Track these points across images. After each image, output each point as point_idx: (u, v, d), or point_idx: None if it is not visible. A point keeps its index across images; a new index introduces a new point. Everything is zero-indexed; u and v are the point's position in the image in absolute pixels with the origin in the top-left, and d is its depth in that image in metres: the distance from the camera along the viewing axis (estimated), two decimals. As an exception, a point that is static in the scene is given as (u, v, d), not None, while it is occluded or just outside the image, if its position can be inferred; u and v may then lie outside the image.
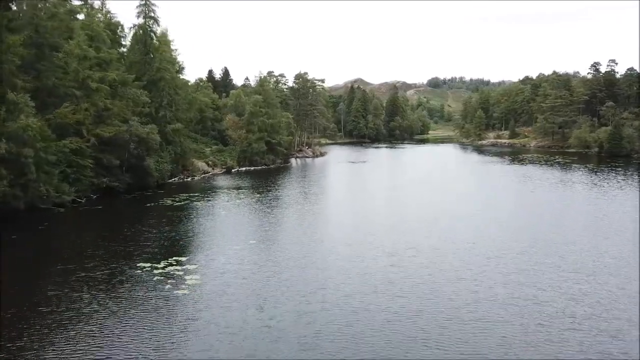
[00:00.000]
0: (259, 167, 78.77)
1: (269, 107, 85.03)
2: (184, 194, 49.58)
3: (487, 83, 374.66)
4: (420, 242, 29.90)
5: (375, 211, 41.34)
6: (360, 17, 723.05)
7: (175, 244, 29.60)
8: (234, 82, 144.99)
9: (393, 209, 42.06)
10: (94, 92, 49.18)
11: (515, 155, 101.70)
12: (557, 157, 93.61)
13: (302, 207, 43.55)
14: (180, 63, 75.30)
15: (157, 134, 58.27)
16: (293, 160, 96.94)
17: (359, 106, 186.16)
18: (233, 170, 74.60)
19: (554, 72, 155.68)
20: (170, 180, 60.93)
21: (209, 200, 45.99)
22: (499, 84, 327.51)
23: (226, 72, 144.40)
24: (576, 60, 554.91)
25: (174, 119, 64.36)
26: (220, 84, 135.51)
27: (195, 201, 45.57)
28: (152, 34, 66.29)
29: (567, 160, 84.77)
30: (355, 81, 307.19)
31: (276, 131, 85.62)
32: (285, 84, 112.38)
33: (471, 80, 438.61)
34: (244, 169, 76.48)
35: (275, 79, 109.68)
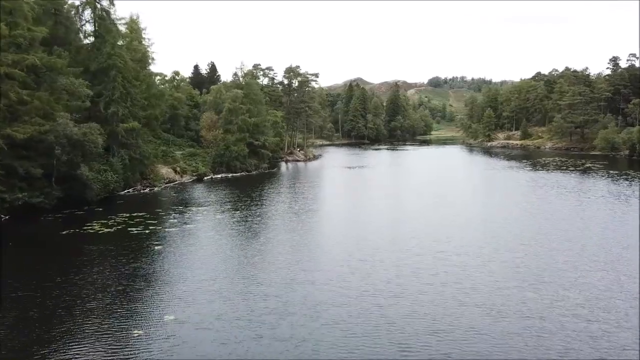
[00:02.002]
0: (239, 174, 66.82)
1: (252, 104, 73.12)
2: (126, 214, 37.72)
3: (489, 82, 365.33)
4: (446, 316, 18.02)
5: (377, 252, 29.27)
6: (360, 17, 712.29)
7: (30, 326, 17.67)
8: (222, 78, 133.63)
9: (403, 250, 30.01)
10: (4, 79, 37.34)
11: (534, 158, 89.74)
12: (582, 161, 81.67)
13: (275, 236, 31.63)
14: (147, 52, 63.24)
15: (103, 135, 46.83)
16: (282, 165, 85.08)
17: (357, 105, 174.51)
18: (206, 177, 62.68)
19: (566, 68, 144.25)
20: (122, 192, 49.23)
21: (152, 224, 34.06)
22: (501, 83, 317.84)
23: (213, 67, 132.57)
24: (577, 59, 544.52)
25: (129, 116, 52.43)
26: (207, 80, 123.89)
27: (132, 225, 33.69)
28: (104, 14, 54.30)
29: (597, 166, 72.80)
30: (355, 80, 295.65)
31: (261, 131, 73.64)
32: (273, 78, 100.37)
33: (472, 79, 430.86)
34: (219, 176, 64.49)
35: (262, 72, 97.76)
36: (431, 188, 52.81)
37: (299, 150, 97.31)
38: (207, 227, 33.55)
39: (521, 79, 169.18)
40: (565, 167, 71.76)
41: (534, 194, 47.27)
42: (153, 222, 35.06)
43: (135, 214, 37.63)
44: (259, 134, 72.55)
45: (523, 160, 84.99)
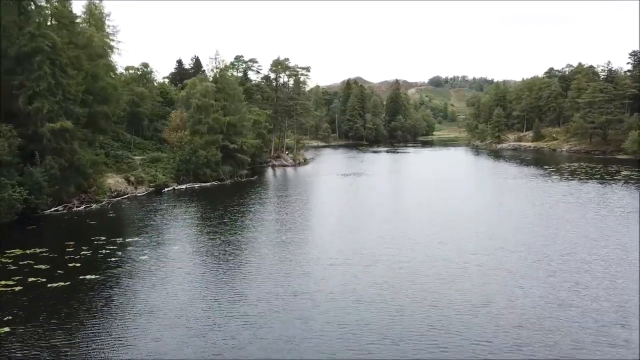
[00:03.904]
0: (209, 184, 55.39)
1: (227, 100, 61.84)
2: (19, 250, 26.53)
3: (491, 82, 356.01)
4: None
5: (374, 349, 17.92)
6: (359, 15, 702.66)
7: None
8: (207, 73, 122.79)
9: (417, 334, 18.65)
10: None
11: (556, 164, 78.34)
12: (614, 167, 70.37)
13: (219, 298, 20.35)
14: (93, 37, 51.78)
15: (14, 138, 36.20)
16: (268, 171, 73.83)
17: (355, 104, 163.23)
18: (167, 189, 51.38)
19: (580, 65, 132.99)
20: (48, 211, 38.22)
21: (38, 272, 22.77)
22: (503, 83, 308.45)
23: (197, 62, 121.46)
24: (579, 59, 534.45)
25: (61, 114, 41.23)
26: (190, 76, 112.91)
27: (7, 273, 22.49)
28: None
29: (637, 174, 61.49)
30: (354, 79, 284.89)
31: (238, 132, 62.30)
32: (258, 71, 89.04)
33: (474, 79, 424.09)
34: (183, 186, 53.08)
35: (245, 64, 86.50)
36: (447, 208, 41.48)
37: (287, 154, 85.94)
38: (116, 279, 22.18)
39: (523, 79, 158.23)
40: (599, 176, 60.35)
41: (587, 218, 35.84)
42: (44, 266, 23.77)
43: (31, 250, 26.43)
44: (235, 136, 61.18)
45: (544, 167, 73.57)
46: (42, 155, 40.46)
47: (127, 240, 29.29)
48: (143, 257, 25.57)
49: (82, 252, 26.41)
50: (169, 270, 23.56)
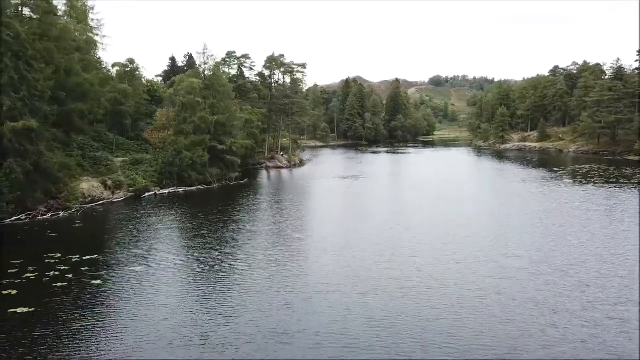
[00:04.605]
0: (195, 188, 51.17)
1: (216, 97, 57.64)
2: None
3: (491, 82, 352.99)
4: None
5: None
6: (358, 15, 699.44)
7: None
8: (200, 70, 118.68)
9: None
10: None
11: (565, 165, 74.21)
12: (629, 169, 66.26)
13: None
14: (68, 28, 47.54)
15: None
16: (261, 173, 69.68)
17: (355, 103, 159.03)
18: (148, 194, 47.19)
19: (585, 63, 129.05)
20: (9, 220, 34.21)
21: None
22: (505, 82, 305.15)
23: (190, 59, 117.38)
24: (579, 59, 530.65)
25: (26, 112, 37.11)
26: (184, 73, 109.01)
27: None
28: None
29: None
30: (354, 79, 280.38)
31: (227, 132, 58.06)
32: (251, 68, 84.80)
33: (474, 78, 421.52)
34: (166, 191, 48.84)
35: (237, 60, 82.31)
36: (455, 217, 37.34)
37: (282, 155, 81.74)
38: (53, 314, 17.94)
39: (524, 78, 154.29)
40: (614, 179, 56.09)
41: (617, 232, 31.73)
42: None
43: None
44: (224, 136, 56.92)
45: (553, 169, 69.36)
46: (3, 157, 36.37)
47: (84, 257, 25.09)
48: (95, 282, 21.40)
49: (26, 275, 22.26)
50: (122, 301, 19.39)
